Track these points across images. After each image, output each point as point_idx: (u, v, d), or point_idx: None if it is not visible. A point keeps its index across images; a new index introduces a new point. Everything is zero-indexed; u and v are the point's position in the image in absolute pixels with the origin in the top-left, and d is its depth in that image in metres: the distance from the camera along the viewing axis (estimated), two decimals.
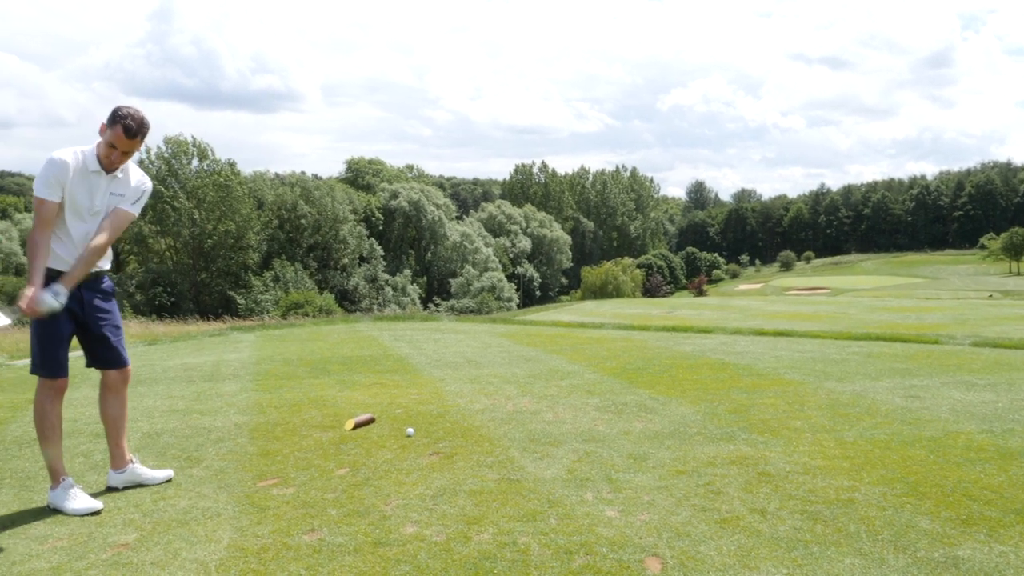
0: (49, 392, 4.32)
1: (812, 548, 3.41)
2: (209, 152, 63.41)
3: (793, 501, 3.99)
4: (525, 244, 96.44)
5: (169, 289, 58.04)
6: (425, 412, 6.36)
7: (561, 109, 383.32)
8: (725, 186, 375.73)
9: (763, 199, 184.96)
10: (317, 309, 38.89)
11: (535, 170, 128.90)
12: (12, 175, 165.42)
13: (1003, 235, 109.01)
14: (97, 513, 4.02)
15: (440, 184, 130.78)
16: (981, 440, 5.16)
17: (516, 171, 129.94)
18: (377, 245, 73.79)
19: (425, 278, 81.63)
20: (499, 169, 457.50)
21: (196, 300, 59.87)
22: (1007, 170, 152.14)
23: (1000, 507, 3.86)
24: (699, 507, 3.92)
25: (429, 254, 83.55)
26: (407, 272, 75.07)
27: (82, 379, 8.57)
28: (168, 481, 4.53)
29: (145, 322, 32.09)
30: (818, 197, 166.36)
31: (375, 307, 63.22)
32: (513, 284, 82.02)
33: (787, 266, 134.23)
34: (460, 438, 5.44)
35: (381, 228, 79.02)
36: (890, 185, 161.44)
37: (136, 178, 4.36)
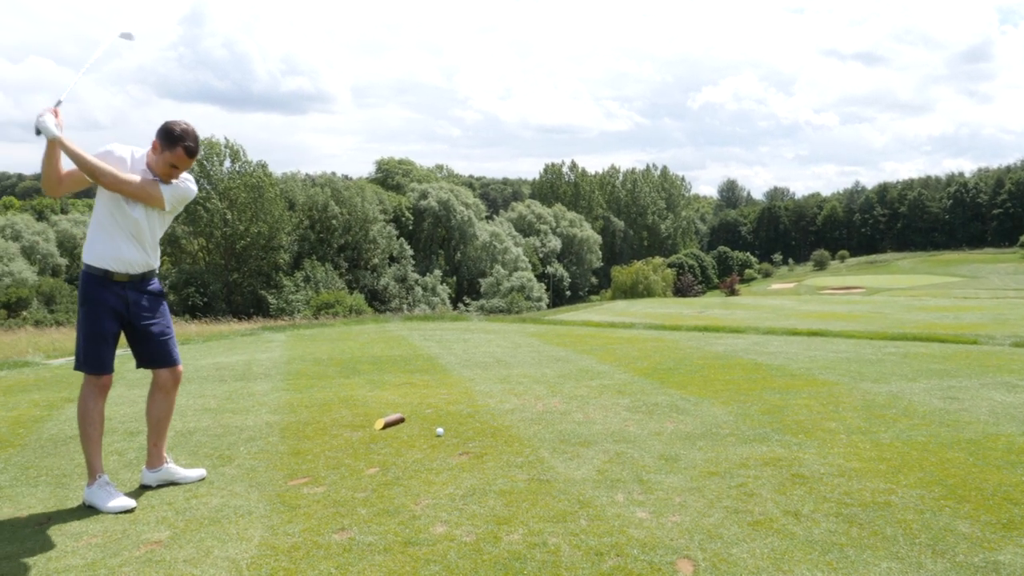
0: (93, 389, 4.41)
1: (847, 551, 3.35)
2: (241, 153, 64.02)
3: (828, 503, 3.94)
4: (555, 244, 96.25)
5: (202, 289, 58.67)
6: (455, 412, 6.36)
7: (591, 108, 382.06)
8: (757, 184, 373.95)
9: (796, 197, 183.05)
10: (347, 309, 39.11)
11: (565, 169, 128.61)
12: None
13: None
14: (131, 511, 4.06)
15: (470, 184, 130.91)
16: (1022, 442, 5.06)
17: (546, 170, 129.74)
18: (407, 245, 74.01)
19: (455, 278, 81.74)
20: (529, 169, 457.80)
21: (228, 300, 60.44)
22: None
23: None
24: (731, 509, 3.88)
25: (459, 254, 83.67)
26: (437, 272, 75.21)
27: (117, 378, 8.67)
28: (201, 480, 4.56)
29: (178, 322, 32.45)
30: (853, 195, 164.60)
31: (405, 307, 63.41)
32: (543, 284, 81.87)
33: (821, 265, 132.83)
34: (490, 438, 5.43)
35: (411, 228, 79.25)
36: (927, 183, 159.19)
37: (184, 179, 4.45)
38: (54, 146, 4.02)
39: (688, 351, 10.17)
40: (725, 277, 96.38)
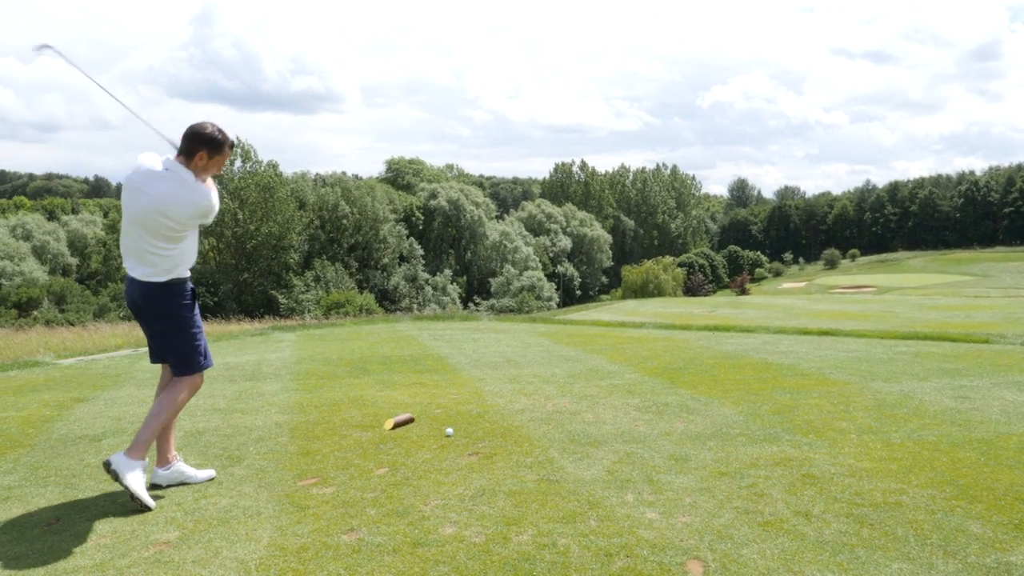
0: (199, 381, 4.57)
1: (858, 552, 3.33)
2: (252, 153, 64.13)
3: (839, 504, 3.92)
4: (565, 243, 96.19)
5: (212, 289, 58.80)
6: (464, 412, 6.35)
7: (600, 107, 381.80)
8: (768, 183, 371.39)
9: (807, 196, 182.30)
10: (357, 309, 39.10)
11: (575, 168, 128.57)
12: (60, 177, 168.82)
13: None
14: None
15: (480, 183, 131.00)
16: None
17: (556, 170, 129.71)
18: (417, 244, 74.04)
19: (465, 277, 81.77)
20: (539, 168, 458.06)
21: (238, 300, 60.50)
22: None
23: None
24: (742, 509, 3.86)
25: (469, 253, 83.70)
26: (447, 271, 75.22)
27: (126, 378, 8.71)
28: (210, 480, 4.56)
29: None
30: (863, 194, 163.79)
31: (415, 307, 63.45)
32: (553, 283, 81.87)
33: (832, 264, 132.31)
34: (499, 438, 5.42)
35: (421, 228, 79.31)
36: (937, 181, 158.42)
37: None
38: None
39: (698, 351, 10.14)
40: (735, 276, 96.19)
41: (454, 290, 73.57)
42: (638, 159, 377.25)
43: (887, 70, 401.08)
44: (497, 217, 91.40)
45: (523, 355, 10.02)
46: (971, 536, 3.49)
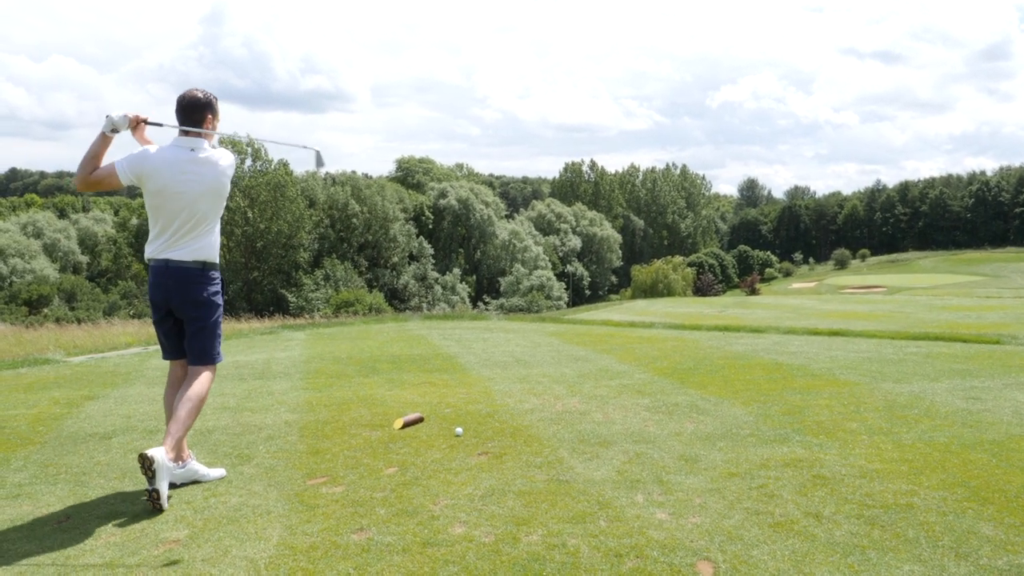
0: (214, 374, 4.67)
1: (869, 554, 3.32)
2: (263, 152, 64.28)
3: (849, 505, 3.90)
4: (575, 242, 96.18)
5: (222, 287, 58.90)
6: (474, 411, 6.35)
7: (610, 107, 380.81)
8: (778, 183, 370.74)
9: (817, 196, 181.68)
10: (367, 307, 39.15)
11: (585, 168, 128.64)
12: (71, 175, 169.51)
13: None
14: (160, 510, 4.05)
15: (489, 182, 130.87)
16: None
17: (566, 169, 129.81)
18: (427, 243, 74.12)
19: (474, 277, 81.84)
20: (548, 167, 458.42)
21: (248, 298, 60.68)
22: None
23: None
24: (752, 510, 3.85)
25: (478, 252, 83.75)
26: (456, 271, 75.25)
27: (136, 376, 8.74)
28: (221, 479, 4.57)
29: None
30: (873, 194, 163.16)
31: (424, 306, 63.53)
32: (563, 283, 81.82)
33: (842, 264, 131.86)
34: (509, 438, 5.41)
35: (431, 227, 79.40)
36: (948, 181, 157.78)
37: None
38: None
39: (708, 351, 10.12)
40: (745, 276, 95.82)
41: (463, 289, 73.62)
42: (648, 158, 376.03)
43: (897, 70, 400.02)
44: (507, 216, 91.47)
45: (533, 355, 10.01)
46: (983, 538, 3.47)
